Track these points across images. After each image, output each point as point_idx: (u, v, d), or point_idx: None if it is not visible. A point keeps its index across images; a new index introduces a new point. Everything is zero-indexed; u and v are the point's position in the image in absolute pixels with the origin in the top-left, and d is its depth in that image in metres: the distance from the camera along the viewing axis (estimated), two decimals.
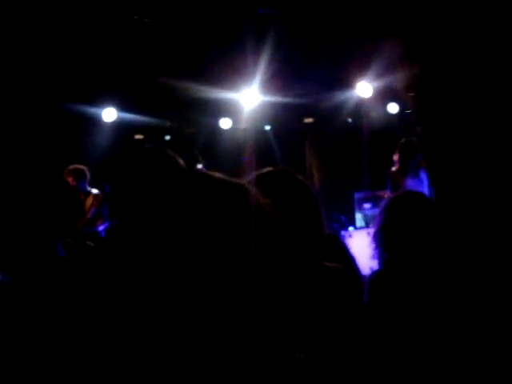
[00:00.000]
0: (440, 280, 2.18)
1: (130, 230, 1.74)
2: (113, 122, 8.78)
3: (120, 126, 8.80)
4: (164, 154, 1.89)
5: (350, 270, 1.76)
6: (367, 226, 7.71)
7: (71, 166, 6.39)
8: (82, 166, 6.44)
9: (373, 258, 2.39)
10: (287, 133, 9.54)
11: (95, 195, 6.54)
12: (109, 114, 8.71)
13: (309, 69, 8.41)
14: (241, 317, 0.90)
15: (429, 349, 2.01)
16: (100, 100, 8.51)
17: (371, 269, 2.34)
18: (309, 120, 9.57)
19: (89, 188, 6.50)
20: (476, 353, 1.97)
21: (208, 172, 1.02)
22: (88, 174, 6.45)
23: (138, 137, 9.20)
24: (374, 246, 2.37)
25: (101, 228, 6.41)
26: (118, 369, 1.04)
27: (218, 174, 1.02)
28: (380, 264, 2.36)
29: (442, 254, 2.26)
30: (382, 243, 2.34)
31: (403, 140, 6.09)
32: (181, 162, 1.88)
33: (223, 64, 7.75)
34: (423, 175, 5.94)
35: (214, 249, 0.91)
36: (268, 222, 1.00)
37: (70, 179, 6.19)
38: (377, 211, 7.68)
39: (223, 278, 0.90)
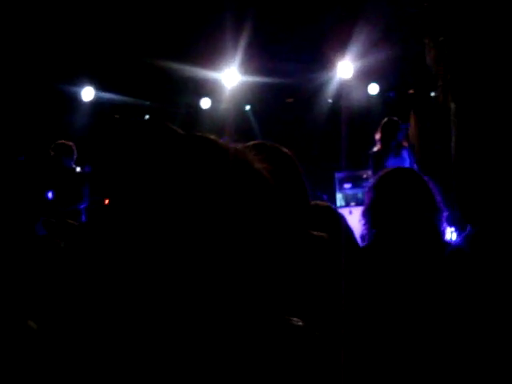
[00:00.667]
0: (428, 257, 2.20)
1: (120, 205, 1.72)
2: (92, 102, 8.68)
3: (99, 106, 8.70)
4: (163, 126, 1.86)
5: (341, 238, 1.77)
6: (347, 205, 7.78)
7: (59, 141, 6.33)
8: (69, 143, 6.37)
9: (362, 234, 2.40)
10: (267, 113, 9.53)
11: (78, 173, 6.51)
12: (87, 94, 8.60)
13: (289, 49, 8.38)
14: (227, 283, 0.90)
15: (414, 327, 2.04)
16: (78, 79, 8.40)
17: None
18: (289, 100, 9.56)
19: (74, 166, 6.44)
20: (460, 331, 2.00)
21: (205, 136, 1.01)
22: (75, 151, 6.39)
23: (117, 116, 9.12)
24: (363, 222, 2.38)
25: (82, 206, 6.37)
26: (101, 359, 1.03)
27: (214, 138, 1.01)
28: (368, 240, 2.38)
29: (432, 232, 2.27)
30: (371, 219, 2.35)
31: (386, 119, 6.11)
32: (180, 131, 1.85)
33: (203, 43, 7.69)
34: (405, 154, 5.99)
35: (206, 217, 0.90)
36: (264, 186, 1.00)
37: (52, 154, 6.15)
38: (357, 191, 7.73)
39: (212, 244, 0.90)
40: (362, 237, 2.40)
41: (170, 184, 0.94)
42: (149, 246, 0.92)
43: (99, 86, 8.65)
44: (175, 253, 0.90)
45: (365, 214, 2.36)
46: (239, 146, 1.10)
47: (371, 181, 2.48)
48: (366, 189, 2.48)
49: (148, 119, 2.07)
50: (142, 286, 0.91)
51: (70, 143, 6.36)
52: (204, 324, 0.90)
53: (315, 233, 1.69)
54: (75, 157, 6.40)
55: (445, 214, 2.32)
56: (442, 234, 2.33)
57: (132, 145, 1.80)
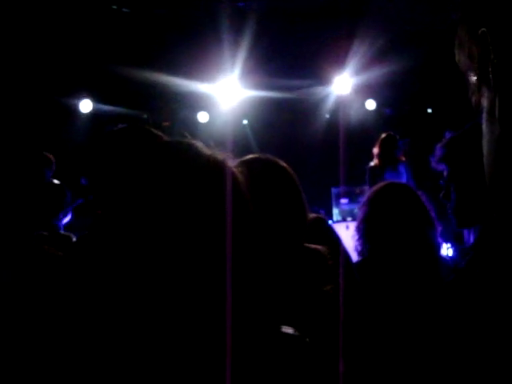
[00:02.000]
0: (422, 272, 2.20)
1: (115, 216, 1.72)
2: (89, 114, 8.70)
3: (97, 118, 8.72)
4: (144, 131, 1.87)
5: (334, 250, 1.77)
6: (344, 220, 7.78)
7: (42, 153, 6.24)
8: (49, 155, 6.26)
9: (355, 249, 2.39)
10: (265, 127, 9.55)
11: (56, 186, 6.33)
12: (85, 106, 8.63)
13: (287, 64, 8.42)
14: (218, 299, 0.90)
15: (408, 342, 2.03)
16: (77, 91, 8.42)
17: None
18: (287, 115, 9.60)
19: (51, 179, 6.30)
20: (456, 344, 2.00)
21: (188, 143, 1.02)
22: (54, 164, 6.26)
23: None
24: (357, 236, 2.38)
25: (64, 221, 6.23)
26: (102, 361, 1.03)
27: (198, 145, 1.01)
28: (362, 255, 2.37)
29: (426, 247, 2.27)
30: (364, 234, 2.35)
31: (384, 134, 6.14)
32: (161, 136, 1.87)
33: (201, 57, 7.72)
34: (402, 169, 6.00)
35: (192, 230, 0.91)
36: (245, 202, 1.00)
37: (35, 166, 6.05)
38: (353, 206, 7.72)
39: (201, 261, 0.90)
40: (358, 251, 2.40)
41: (149, 190, 0.94)
42: (136, 253, 0.92)
43: (97, 98, 8.67)
44: (163, 261, 0.90)
45: (358, 229, 2.36)
46: (236, 160, 1.11)
47: (365, 195, 2.49)
48: (360, 203, 2.48)
49: (130, 125, 2.05)
50: (138, 293, 0.91)
51: (49, 156, 6.24)
52: (199, 332, 0.90)
53: (312, 246, 1.69)
54: (53, 170, 6.26)
55: (439, 229, 2.33)
56: (437, 249, 2.33)
57: (115, 151, 1.80)
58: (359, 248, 2.38)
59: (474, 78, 0.69)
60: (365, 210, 2.38)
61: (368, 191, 2.60)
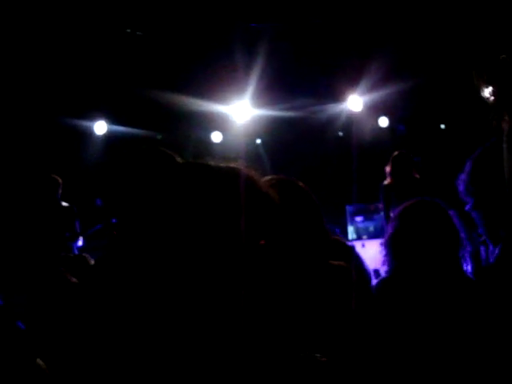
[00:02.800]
0: (449, 292, 2.15)
1: (133, 233, 1.74)
2: (104, 135, 8.78)
3: (111, 139, 8.79)
4: (160, 153, 1.90)
5: (357, 267, 1.76)
6: (359, 238, 7.75)
7: (52, 175, 6.22)
8: (57, 177, 6.21)
9: (382, 265, 2.34)
10: (278, 146, 9.57)
11: (66, 208, 6.33)
12: (100, 127, 8.71)
13: (300, 82, 8.46)
14: (238, 314, 0.90)
15: (431, 358, 2.01)
16: (91, 113, 8.51)
17: (379, 277, 2.32)
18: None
19: (60, 201, 6.26)
20: (479, 362, 1.97)
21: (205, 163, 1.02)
22: (61, 186, 6.21)
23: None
24: (384, 253, 2.32)
25: (78, 243, 6.17)
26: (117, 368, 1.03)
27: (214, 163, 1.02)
28: (388, 272, 2.33)
29: (455, 267, 2.22)
30: (392, 251, 2.29)
31: (396, 152, 6.12)
32: (178, 158, 1.89)
33: (214, 77, 7.78)
34: (416, 187, 5.95)
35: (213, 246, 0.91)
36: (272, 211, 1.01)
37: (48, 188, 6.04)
38: (369, 224, 7.65)
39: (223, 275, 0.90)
40: (385, 267, 2.35)
41: (167, 212, 0.95)
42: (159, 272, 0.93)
43: (111, 119, 8.75)
44: (184, 279, 0.90)
45: (386, 245, 2.30)
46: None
47: (396, 211, 2.42)
48: (390, 219, 2.43)
49: (145, 147, 2.07)
50: (160, 313, 0.92)
51: (57, 177, 6.20)
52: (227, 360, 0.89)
53: (335, 262, 1.70)
54: (60, 192, 6.22)
55: (468, 249, 2.28)
56: (464, 269, 2.28)
57: (131, 173, 1.82)
58: (386, 264, 2.33)
59: (495, 102, 0.69)
60: (394, 226, 2.32)
61: (383, 210, 2.56)
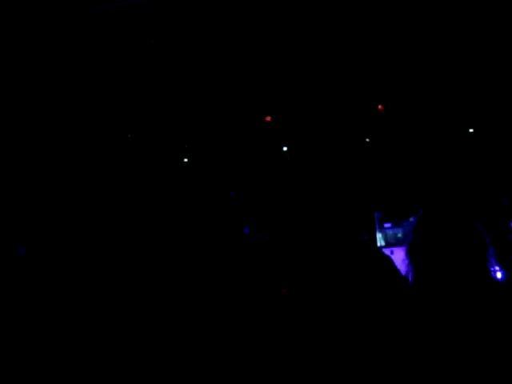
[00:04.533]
0: (475, 299, 2.13)
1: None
2: None
3: None
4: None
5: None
6: (387, 244, 7.67)
7: None
8: None
9: (406, 273, 2.33)
10: (306, 153, 9.55)
11: None
12: None
13: (326, 87, 8.44)
14: None
15: (460, 367, 1.99)
16: None
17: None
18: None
19: None
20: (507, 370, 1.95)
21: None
22: None
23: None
24: (407, 261, 2.30)
25: None
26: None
27: None
28: (412, 280, 2.31)
29: (481, 274, 2.19)
30: (415, 258, 2.27)
31: None
32: None
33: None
34: None
35: None
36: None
37: None
38: (397, 230, 7.55)
39: None
40: (409, 276, 2.34)
41: None
42: None
43: None
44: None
45: (410, 253, 2.28)
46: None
47: (416, 218, 2.40)
48: (412, 226, 2.41)
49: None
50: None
51: None
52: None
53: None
54: None
55: (492, 253, 2.25)
56: (492, 274, 2.25)
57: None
58: (410, 272, 2.31)
59: None
60: (416, 234, 2.29)
61: (419, 214, 2.51)
